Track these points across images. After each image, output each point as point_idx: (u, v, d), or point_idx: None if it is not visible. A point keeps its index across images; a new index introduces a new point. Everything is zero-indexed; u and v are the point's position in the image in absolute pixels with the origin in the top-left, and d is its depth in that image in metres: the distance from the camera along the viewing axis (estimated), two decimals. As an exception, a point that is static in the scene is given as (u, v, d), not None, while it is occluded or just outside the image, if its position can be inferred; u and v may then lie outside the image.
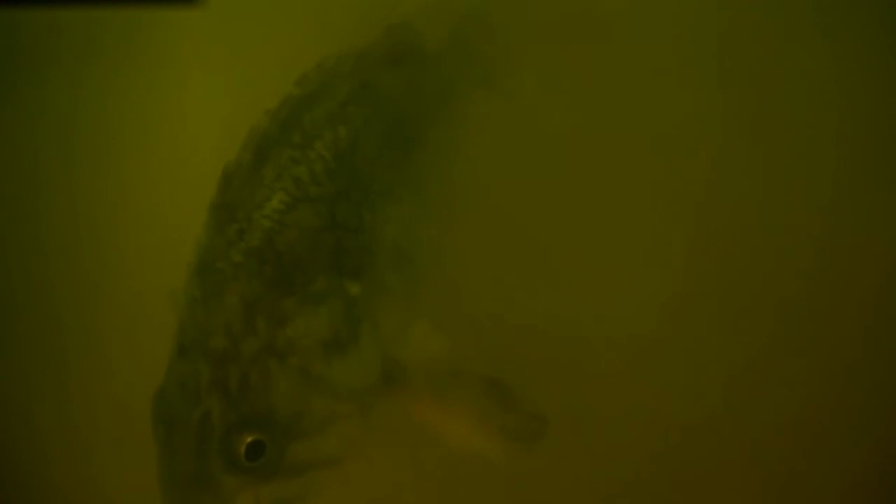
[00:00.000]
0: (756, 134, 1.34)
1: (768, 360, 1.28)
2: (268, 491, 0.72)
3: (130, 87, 1.35)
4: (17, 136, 1.34)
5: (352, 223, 0.83)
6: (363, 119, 0.90)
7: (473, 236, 1.08)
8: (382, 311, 0.82)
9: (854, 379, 1.27)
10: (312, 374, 0.75)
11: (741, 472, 1.25)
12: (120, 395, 1.05)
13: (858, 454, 1.23)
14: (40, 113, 1.35)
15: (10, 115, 1.34)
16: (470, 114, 1.06)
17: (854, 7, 1.34)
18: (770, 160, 1.33)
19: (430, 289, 0.93)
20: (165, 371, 0.74)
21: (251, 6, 1.36)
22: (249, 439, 0.71)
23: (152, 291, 1.26)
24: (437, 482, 1.21)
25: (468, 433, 0.85)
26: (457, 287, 1.01)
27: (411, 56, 1.00)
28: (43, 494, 1.19)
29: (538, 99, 1.24)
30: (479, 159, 1.08)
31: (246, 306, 0.74)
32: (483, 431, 0.85)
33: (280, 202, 0.80)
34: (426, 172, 0.94)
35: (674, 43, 1.36)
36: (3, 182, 1.34)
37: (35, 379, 1.26)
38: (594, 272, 1.30)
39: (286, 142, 0.86)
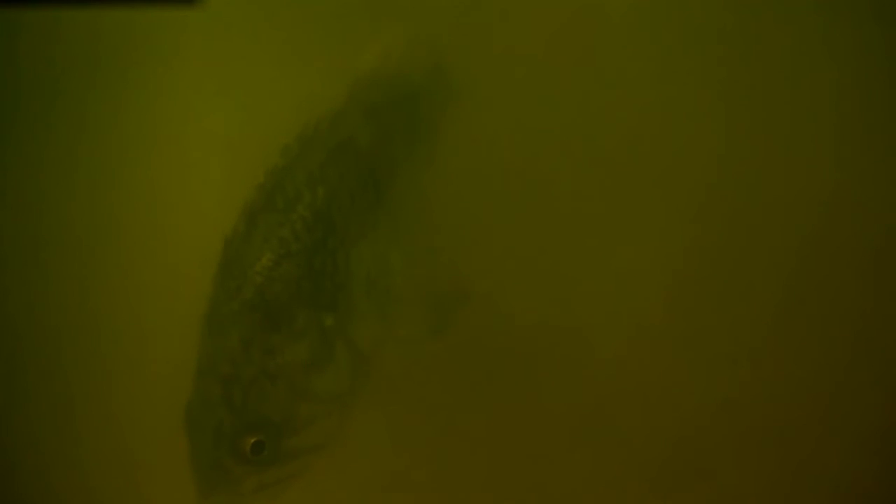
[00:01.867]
0: (757, 130, 1.34)
1: (771, 352, 1.28)
2: (269, 475, 0.97)
3: (130, 87, 1.35)
4: (16, 137, 1.34)
5: (328, 268, 1.03)
6: (339, 175, 1.08)
7: (471, 242, 1.23)
8: (357, 329, 1.04)
9: (855, 371, 1.27)
10: (298, 388, 0.99)
11: (744, 465, 1.25)
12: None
13: (861, 447, 1.24)
14: (40, 113, 1.35)
15: (10, 115, 1.34)
16: (443, 141, 1.20)
17: (855, 8, 1.34)
18: (771, 155, 1.34)
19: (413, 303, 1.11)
20: (192, 389, 0.97)
21: (251, 6, 1.36)
22: (252, 440, 0.96)
23: (152, 291, 1.27)
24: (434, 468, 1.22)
25: None
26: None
27: (384, 106, 1.17)
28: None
29: (525, 108, 1.31)
30: (458, 177, 1.22)
31: (243, 343, 0.98)
32: None
33: (268, 260, 1.01)
34: (398, 209, 1.12)
35: (674, 45, 1.36)
36: (4, 182, 1.34)
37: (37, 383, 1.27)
38: (593, 271, 1.31)
39: (272, 208, 1.04)
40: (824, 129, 1.33)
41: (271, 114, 1.34)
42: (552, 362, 1.27)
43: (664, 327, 1.28)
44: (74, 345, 1.28)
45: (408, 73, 1.22)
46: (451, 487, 1.24)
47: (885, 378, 1.26)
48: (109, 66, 1.35)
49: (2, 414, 1.26)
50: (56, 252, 1.31)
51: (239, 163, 1.33)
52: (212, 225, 1.23)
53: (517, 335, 1.27)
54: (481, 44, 1.32)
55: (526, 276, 1.29)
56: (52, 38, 1.35)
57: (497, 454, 1.24)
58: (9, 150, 1.34)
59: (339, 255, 1.04)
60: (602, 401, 1.26)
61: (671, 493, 1.23)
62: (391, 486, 1.23)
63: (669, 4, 1.38)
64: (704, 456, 1.24)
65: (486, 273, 1.22)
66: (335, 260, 1.04)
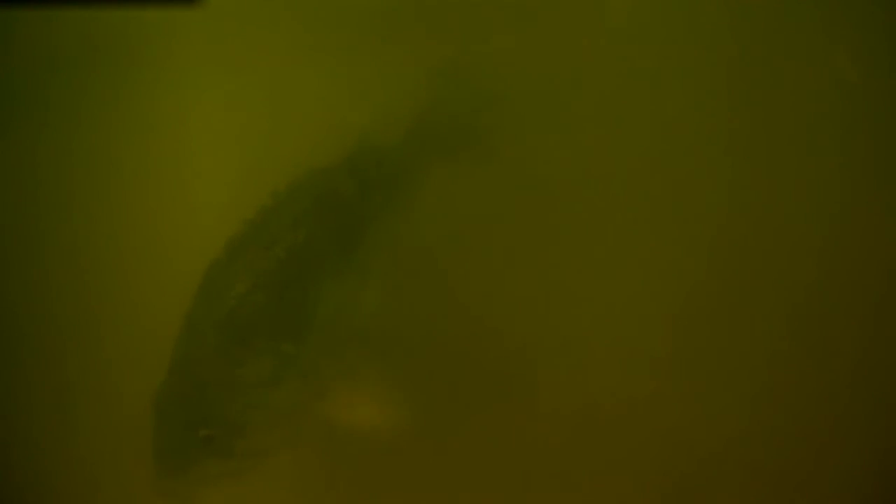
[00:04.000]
0: (763, 141, 1.34)
1: (774, 365, 1.28)
2: (217, 467, 1.10)
3: (130, 87, 1.35)
4: (16, 137, 1.34)
5: (296, 302, 1.17)
6: (320, 221, 1.21)
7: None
8: (316, 358, 1.17)
9: (863, 386, 1.27)
10: (253, 398, 1.13)
11: (743, 478, 1.25)
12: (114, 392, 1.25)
13: (866, 462, 1.23)
14: (40, 113, 1.35)
15: (10, 115, 1.34)
16: (426, 194, 1.29)
17: (863, 12, 1.34)
18: (777, 166, 1.33)
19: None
20: (161, 383, 1.11)
21: (251, 6, 1.36)
22: (206, 434, 1.09)
23: (153, 292, 1.27)
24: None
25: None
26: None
27: (368, 163, 1.28)
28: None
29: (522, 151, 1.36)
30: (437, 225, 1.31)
31: (211, 352, 1.12)
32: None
33: (243, 287, 1.14)
34: (371, 254, 1.24)
35: (677, 49, 1.36)
36: (3, 182, 1.34)
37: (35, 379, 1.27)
38: (593, 283, 1.30)
39: (255, 243, 1.18)
40: (833, 135, 1.33)
41: (271, 114, 1.34)
42: (544, 381, 1.27)
43: (666, 351, 1.28)
44: (69, 339, 1.29)
45: (392, 131, 1.32)
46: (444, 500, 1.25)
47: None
48: (108, 66, 1.35)
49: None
50: (55, 250, 1.31)
51: (238, 162, 1.33)
52: (211, 224, 1.24)
53: (508, 351, 1.27)
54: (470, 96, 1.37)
55: (518, 294, 1.30)
56: (51, 37, 1.35)
57: (483, 469, 1.24)
58: (8, 149, 1.34)
59: (309, 292, 1.17)
60: (598, 412, 1.26)
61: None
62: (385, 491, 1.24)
63: (672, 19, 1.38)
64: (702, 470, 1.24)
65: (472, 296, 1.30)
66: (304, 296, 1.17)
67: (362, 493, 1.24)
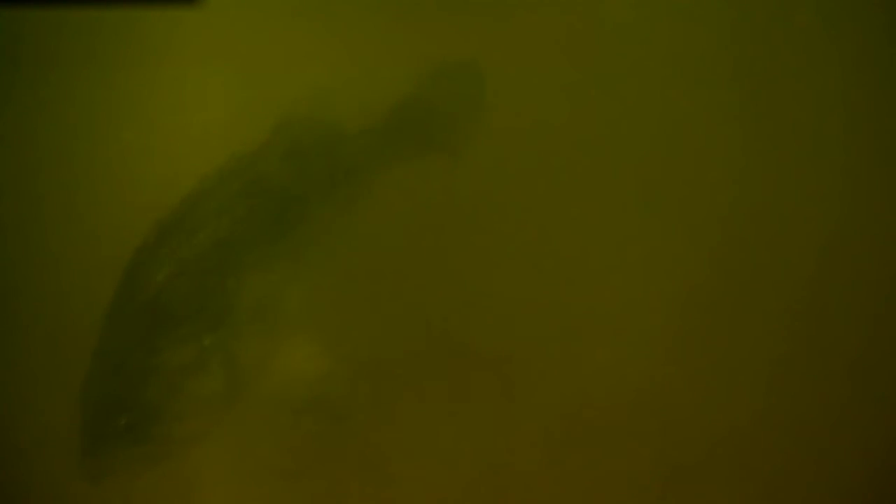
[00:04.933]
0: (767, 138, 1.34)
1: (774, 361, 1.28)
2: (137, 452, 1.12)
3: (130, 87, 1.35)
4: (16, 136, 1.34)
5: (217, 291, 1.15)
6: (249, 208, 1.19)
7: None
8: (239, 348, 1.16)
9: (863, 384, 1.27)
10: (173, 386, 1.13)
11: (741, 473, 1.25)
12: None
13: (865, 459, 1.24)
14: (40, 113, 1.35)
15: (10, 116, 1.34)
16: (375, 189, 1.27)
17: (869, 14, 1.34)
18: (779, 163, 1.33)
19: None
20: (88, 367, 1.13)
21: (251, 6, 1.36)
22: (125, 419, 1.11)
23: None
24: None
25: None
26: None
27: (306, 148, 1.25)
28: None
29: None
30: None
31: (133, 339, 1.13)
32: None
33: (165, 275, 1.14)
34: (304, 247, 1.22)
35: (673, 48, 1.36)
36: (3, 182, 1.34)
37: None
38: (596, 272, 1.31)
39: (180, 229, 1.17)
40: (837, 135, 1.34)
41: (271, 114, 1.34)
42: (539, 373, 1.27)
43: (662, 334, 1.28)
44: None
45: (338, 115, 1.29)
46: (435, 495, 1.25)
47: None
48: (109, 66, 1.35)
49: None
50: (54, 253, 1.31)
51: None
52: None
53: (502, 341, 1.27)
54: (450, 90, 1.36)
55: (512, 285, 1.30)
56: (52, 38, 1.35)
57: (474, 463, 1.24)
58: (8, 148, 1.34)
59: (230, 280, 1.16)
60: (591, 412, 1.26)
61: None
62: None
63: (669, 18, 1.38)
64: (700, 482, 1.24)
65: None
66: (225, 284, 1.16)
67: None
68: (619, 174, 1.33)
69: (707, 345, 1.28)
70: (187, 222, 1.17)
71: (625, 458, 1.24)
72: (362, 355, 1.25)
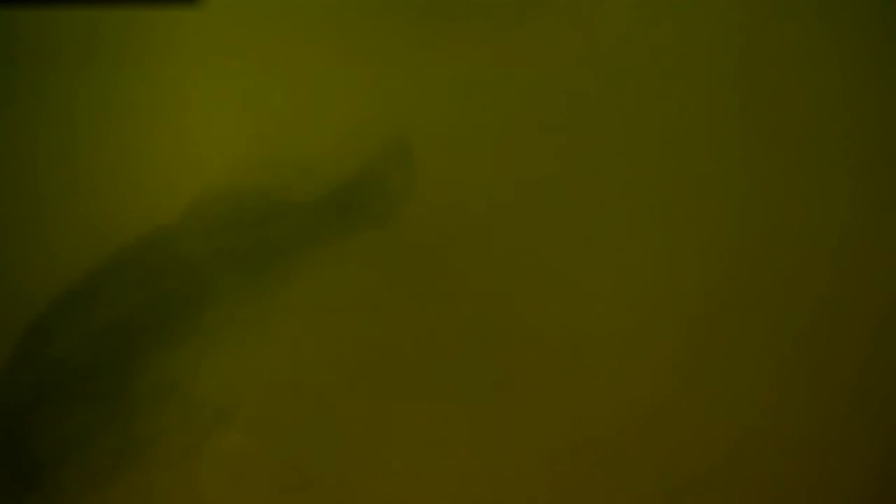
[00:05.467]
0: (770, 144, 1.33)
1: (781, 371, 1.28)
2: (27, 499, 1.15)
3: (130, 87, 1.35)
4: (16, 136, 1.34)
5: (120, 366, 1.17)
6: (159, 287, 1.19)
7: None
8: (138, 425, 1.17)
9: (870, 394, 1.27)
10: (62, 452, 1.14)
11: (746, 486, 1.24)
12: None
13: (871, 469, 1.23)
14: (40, 113, 1.34)
15: (10, 115, 1.34)
16: (306, 267, 1.24)
17: (871, 15, 1.34)
18: (785, 170, 1.33)
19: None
20: None
21: (251, 6, 1.36)
22: (9, 472, 1.14)
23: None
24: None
25: None
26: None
27: (227, 225, 1.23)
28: None
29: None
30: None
31: (25, 405, 1.14)
32: None
33: (70, 346, 1.16)
34: (222, 326, 1.21)
35: (685, 53, 1.36)
36: (3, 181, 1.34)
37: None
38: (599, 285, 1.30)
39: (87, 301, 1.19)
40: (842, 138, 1.33)
41: (270, 113, 1.34)
42: (542, 386, 1.27)
43: (665, 345, 1.28)
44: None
45: (263, 191, 1.26)
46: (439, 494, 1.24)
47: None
48: (109, 66, 1.35)
49: None
50: (54, 252, 1.31)
51: (239, 162, 1.33)
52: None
53: (504, 339, 1.27)
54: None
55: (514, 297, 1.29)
56: (52, 38, 1.35)
57: (476, 475, 1.24)
58: (8, 148, 1.34)
59: (137, 360, 1.17)
60: (594, 424, 1.25)
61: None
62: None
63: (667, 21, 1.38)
64: (699, 477, 1.24)
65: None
66: (129, 362, 1.17)
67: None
68: (621, 184, 1.33)
69: (713, 357, 1.28)
70: (94, 295, 1.19)
71: (629, 470, 1.24)
72: (285, 444, 1.23)
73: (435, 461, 1.25)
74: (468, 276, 1.29)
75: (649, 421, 1.25)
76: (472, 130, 1.33)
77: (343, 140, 1.31)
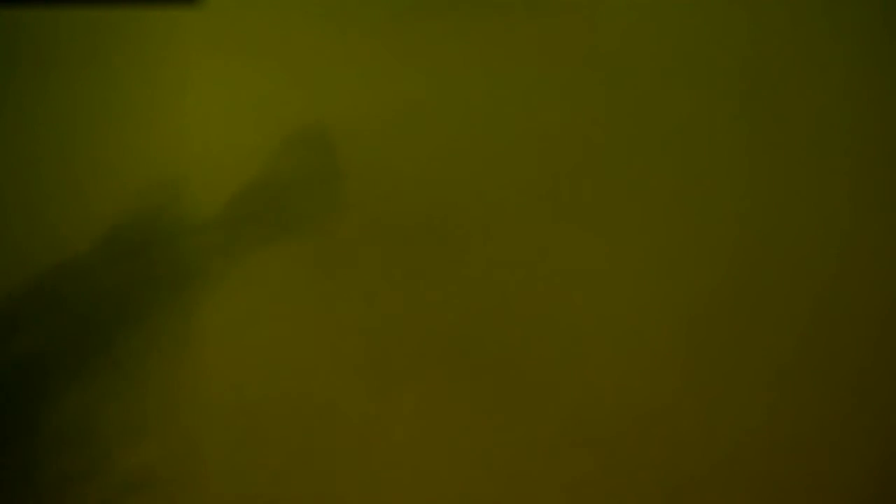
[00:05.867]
0: (772, 145, 1.34)
1: (782, 372, 1.28)
2: None
3: (130, 86, 1.35)
4: (17, 136, 1.34)
5: (33, 407, 1.14)
6: (65, 319, 1.16)
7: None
8: (45, 467, 1.14)
9: (872, 395, 1.27)
10: None
11: (746, 485, 1.24)
12: None
13: (873, 471, 1.23)
14: (40, 113, 1.35)
15: (10, 115, 1.34)
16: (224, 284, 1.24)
17: (873, 15, 1.34)
18: (788, 171, 1.33)
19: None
20: None
21: (251, 6, 1.36)
22: None
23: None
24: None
25: None
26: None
27: (137, 248, 1.21)
28: None
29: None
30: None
31: None
32: None
33: None
34: (132, 358, 1.18)
35: (688, 56, 1.36)
36: (3, 180, 1.34)
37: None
38: (600, 282, 1.30)
39: None
40: (845, 139, 1.33)
41: (270, 113, 1.34)
42: (543, 383, 1.27)
43: (666, 340, 1.28)
44: None
45: (177, 212, 1.24)
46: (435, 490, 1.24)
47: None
48: (109, 65, 1.35)
49: None
50: (53, 251, 1.31)
51: (237, 162, 1.33)
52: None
53: (505, 332, 1.27)
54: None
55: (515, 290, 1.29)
56: (52, 38, 1.35)
57: (476, 472, 1.24)
58: (8, 148, 1.34)
59: (46, 399, 1.13)
60: (596, 421, 1.25)
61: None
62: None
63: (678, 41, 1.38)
64: (703, 495, 1.24)
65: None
66: (39, 402, 1.13)
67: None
68: (622, 183, 1.33)
69: (714, 357, 1.28)
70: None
71: (630, 467, 1.24)
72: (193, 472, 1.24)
73: (436, 468, 1.25)
74: (469, 276, 1.29)
75: (650, 421, 1.25)
76: (473, 130, 1.33)
77: (351, 137, 1.31)
